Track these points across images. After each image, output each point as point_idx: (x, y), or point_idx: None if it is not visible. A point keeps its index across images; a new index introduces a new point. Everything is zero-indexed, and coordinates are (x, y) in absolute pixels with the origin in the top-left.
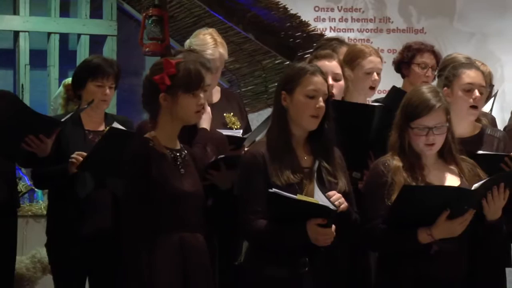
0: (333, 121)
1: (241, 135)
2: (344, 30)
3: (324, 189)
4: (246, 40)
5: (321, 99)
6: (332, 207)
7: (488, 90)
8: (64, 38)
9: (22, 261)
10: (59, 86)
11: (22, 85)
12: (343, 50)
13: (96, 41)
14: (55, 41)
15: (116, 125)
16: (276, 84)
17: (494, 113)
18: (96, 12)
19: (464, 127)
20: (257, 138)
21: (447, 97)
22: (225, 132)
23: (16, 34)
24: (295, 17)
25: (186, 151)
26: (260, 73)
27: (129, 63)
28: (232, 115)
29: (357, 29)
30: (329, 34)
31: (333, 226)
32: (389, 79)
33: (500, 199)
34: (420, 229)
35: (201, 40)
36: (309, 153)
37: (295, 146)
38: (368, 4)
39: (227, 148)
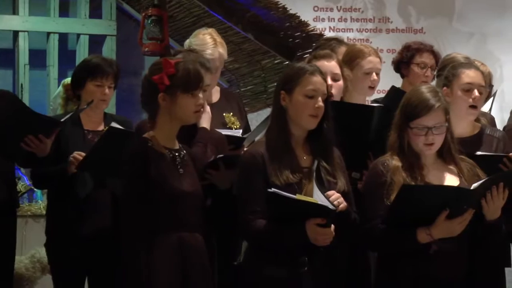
0: (332, 121)
1: (240, 135)
2: (343, 30)
3: (323, 189)
4: (246, 40)
5: (320, 99)
6: (331, 206)
7: (487, 90)
8: (63, 38)
9: (22, 261)
10: (58, 86)
11: (22, 85)
12: (342, 50)
13: (96, 41)
14: (54, 41)
15: (115, 124)
16: (275, 84)
17: (493, 113)
18: (95, 12)
19: (463, 127)
20: (257, 138)
21: (446, 96)
22: (225, 132)
23: (15, 34)
24: (295, 17)
25: (184, 151)
26: (260, 73)
27: (128, 63)
28: (232, 115)
29: (356, 29)
30: (328, 34)
31: (332, 226)
32: (388, 79)
33: (499, 199)
34: (419, 229)
35: (201, 40)
36: (308, 153)
37: (294, 146)
38: (367, 4)
39: (226, 148)
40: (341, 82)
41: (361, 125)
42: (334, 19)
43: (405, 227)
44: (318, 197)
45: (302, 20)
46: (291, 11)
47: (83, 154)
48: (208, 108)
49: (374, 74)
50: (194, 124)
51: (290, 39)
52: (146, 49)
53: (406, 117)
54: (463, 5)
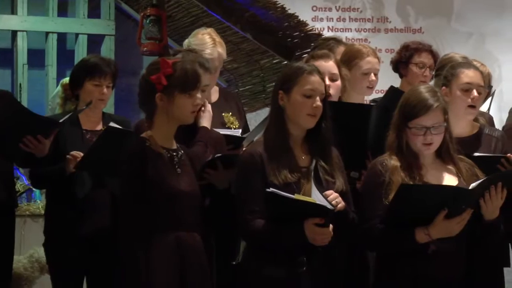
0: (330, 121)
1: (240, 135)
2: (342, 30)
3: (322, 189)
4: (244, 40)
5: (318, 98)
6: (329, 206)
7: (486, 90)
8: (62, 37)
9: (20, 260)
10: (57, 85)
11: (20, 84)
12: (341, 49)
13: (94, 41)
14: (53, 41)
15: (113, 124)
16: (274, 83)
17: (491, 113)
18: (94, 11)
19: (462, 127)
20: (255, 138)
21: (445, 96)
22: (225, 131)
23: (14, 33)
24: (293, 16)
25: (182, 151)
26: (258, 72)
27: (127, 63)
28: (231, 115)
29: (355, 29)
30: (327, 33)
31: (331, 226)
32: (387, 79)
33: (498, 199)
34: (418, 229)
35: (200, 39)
36: (307, 152)
37: (293, 146)
38: (366, 4)
39: (224, 148)
40: (339, 82)
41: (359, 124)
42: (332, 19)
43: (404, 227)
44: (316, 197)
45: (301, 19)
46: (289, 11)
47: (81, 154)
48: (209, 107)
49: (372, 74)
50: (194, 123)
51: (289, 39)
52: (145, 49)
53: (404, 117)
54: (462, 5)
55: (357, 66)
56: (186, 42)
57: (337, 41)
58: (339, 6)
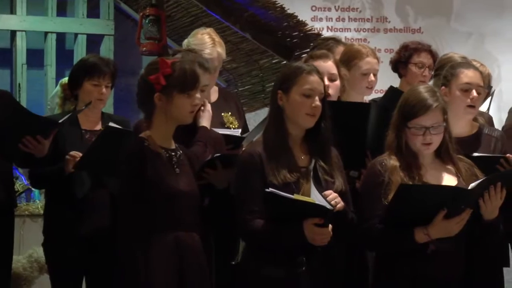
0: (329, 121)
1: (239, 135)
2: (341, 30)
3: (321, 189)
4: (243, 40)
5: (317, 98)
6: (328, 206)
7: (486, 90)
8: (61, 37)
9: (19, 260)
10: (56, 85)
11: (19, 84)
12: (340, 49)
13: (93, 41)
14: (52, 41)
15: (112, 124)
16: (273, 83)
17: (491, 113)
18: (93, 11)
19: (461, 127)
20: (255, 138)
21: (444, 96)
22: (224, 131)
23: (13, 33)
24: (292, 16)
25: (181, 151)
26: (257, 72)
27: (126, 63)
28: (230, 115)
29: (354, 29)
30: (326, 33)
31: (330, 226)
32: (386, 79)
33: (497, 199)
34: (417, 229)
35: (199, 39)
36: (306, 152)
37: (292, 146)
38: (365, 4)
39: (223, 148)
40: (338, 82)
41: (358, 123)
42: (332, 18)
43: (403, 227)
44: (315, 197)
45: (300, 19)
46: (289, 11)
47: (80, 154)
48: (209, 107)
49: (371, 75)
50: (193, 123)
51: (288, 39)
52: (144, 48)
53: (404, 117)
54: (461, 5)
55: (357, 66)
56: (185, 42)
57: (336, 41)
58: (338, 6)
